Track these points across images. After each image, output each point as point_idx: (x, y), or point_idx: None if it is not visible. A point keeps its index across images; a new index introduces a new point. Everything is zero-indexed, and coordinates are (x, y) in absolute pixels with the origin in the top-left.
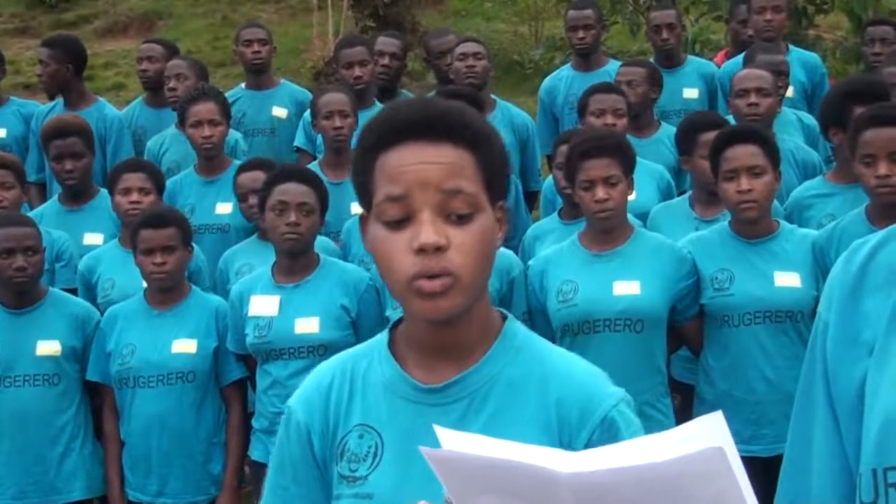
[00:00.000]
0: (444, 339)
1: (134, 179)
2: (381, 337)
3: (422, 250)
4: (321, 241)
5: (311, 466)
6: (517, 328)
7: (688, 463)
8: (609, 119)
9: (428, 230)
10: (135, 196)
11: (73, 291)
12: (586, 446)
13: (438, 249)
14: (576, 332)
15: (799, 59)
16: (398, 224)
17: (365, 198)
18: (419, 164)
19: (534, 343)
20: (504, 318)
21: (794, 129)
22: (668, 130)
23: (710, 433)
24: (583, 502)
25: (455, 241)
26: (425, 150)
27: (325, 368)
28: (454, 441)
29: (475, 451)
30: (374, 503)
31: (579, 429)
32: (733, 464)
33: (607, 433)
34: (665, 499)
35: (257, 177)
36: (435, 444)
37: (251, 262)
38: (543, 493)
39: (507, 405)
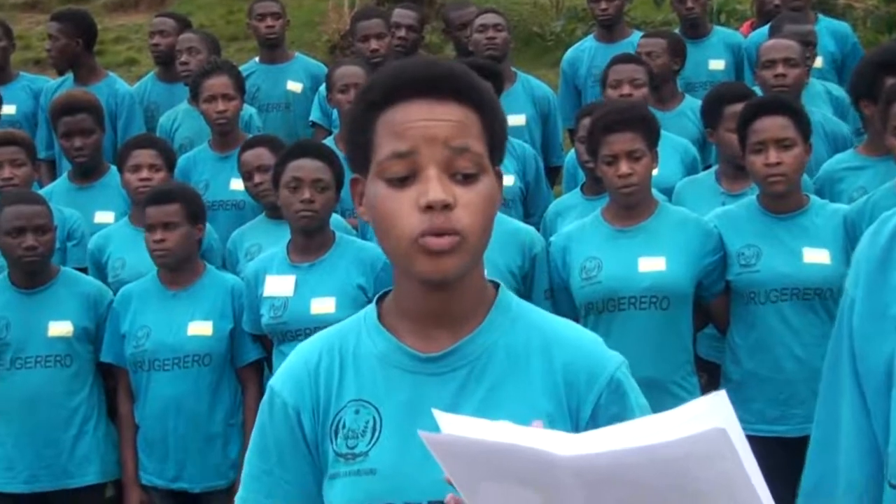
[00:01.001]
0: (440, 305)
1: (144, 156)
2: (368, 311)
3: (429, 207)
4: (334, 220)
5: (300, 449)
6: (510, 297)
7: (690, 444)
8: (626, 89)
9: (436, 187)
10: (145, 173)
11: (85, 271)
12: (594, 408)
13: (446, 207)
14: (600, 310)
15: (828, 28)
16: (402, 182)
17: (361, 158)
18: (426, 120)
19: (529, 312)
20: (496, 286)
21: (822, 100)
22: (691, 103)
23: (713, 413)
24: (585, 485)
25: (461, 200)
26: (432, 108)
27: (309, 346)
28: (453, 424)
29: (475, 435)
30: (376, 478)
31: (587, 391)
32: (738, 444)
33: (615, 394)
34: (668, 480)
35: (261, 153)
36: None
37: (260, 242)
38: (545, 476)
39: (508, 374)
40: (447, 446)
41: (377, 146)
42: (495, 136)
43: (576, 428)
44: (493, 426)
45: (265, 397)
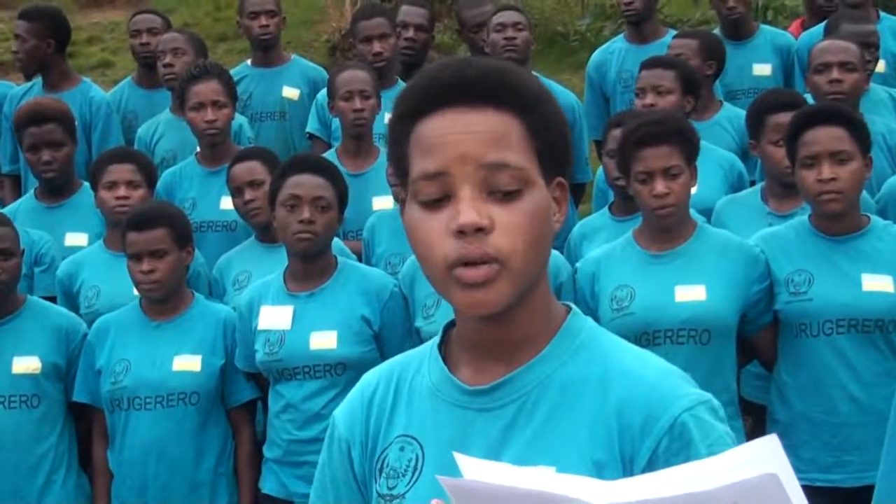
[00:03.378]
0: (495, 335)
1: (121, 171)
2: (435, 337)
3: (461, 232)
4: (335, 244)
5: (352, 487)
6: (582, 322)
7: (739, 491)
8: (649, 99)
9: (467, 209)
10: (122, 191)
11: (55, 300)
12: (651, 458)
13: (480, 230)
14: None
15: (891, 28)
16: (436, 203)
17: (402, 173)
18: (457, 134)
19: (600, 339)
20: (569, 310)
21: (885, 108)
22: (728, 112)
23: (764, 458)
24: None
25: (500, 220)
26: (464, 117)
27: (373, 374)
28: (477, 470)
29: (498, 481)
30: None
31: (643, 437)
32: (790, 491)
33: (678, 442)
34: None
35: (253, 168)
36: (479, 454)
37: (250, 269)
38: None
39: (559, 412)
40: (468, 492)
41: (411, 163)
42: (548, 140)
43: None
44: (519, 472)
45: (328, 429)
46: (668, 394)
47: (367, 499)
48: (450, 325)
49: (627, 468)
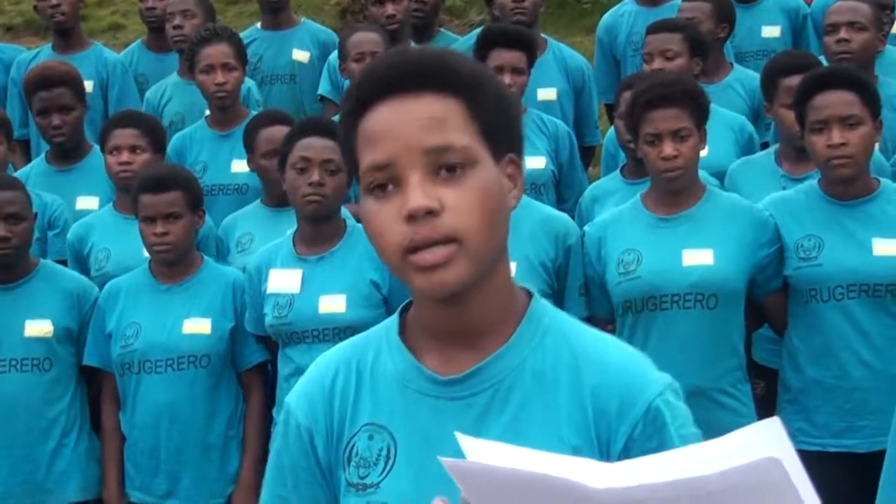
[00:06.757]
0: (458, 320)
1: (123, 136)
2: (390, 322)
3: (412, 217)
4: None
5: (315, 473)
6: (544, 307)
7: (740, 476)
8: (657, 64)
9: (415, 194)
10: (125, 156)
11: (65, 263)
12: (627, 442)
13: (430, 213)
14: (639, 308)
15: None
16: (385, 192)
17: (353, 168)
18: (398, 123)
19: (562, 324)
20: (529, 295)
21: None
22: (739, 74)
23: (765, 441)
24: None
25: (449, 201)
26: (404, 106)
27: (327, 360)
28: (478, 450)
29: (500, 463)
30: None
31: (619, 422)
32: (794, 476)
33: (651, 426)
34: None
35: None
36: (454, 443)
37: (252, 231)
38: None
39: (533, 399)
40: (470, 474)
41: (360, 157)
42: (492, 118)
43: None
44: (521, 453)
45: (282, 415)
46: (639, 379)
47: (333, 486)
48: (404, 310)
49: (604, 453)
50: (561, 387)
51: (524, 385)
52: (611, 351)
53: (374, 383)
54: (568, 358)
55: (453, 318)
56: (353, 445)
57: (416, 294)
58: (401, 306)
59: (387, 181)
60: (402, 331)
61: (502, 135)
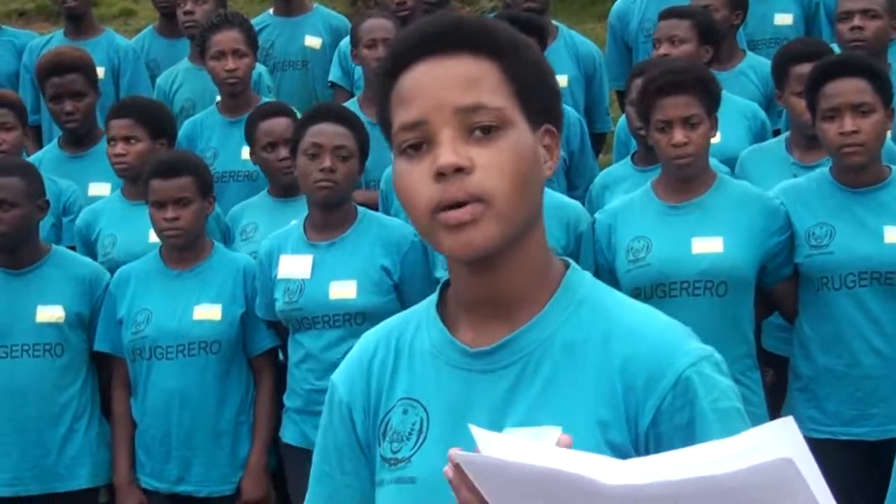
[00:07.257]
0: (489, 288)
1: (118, 127)
2: (432, 298)
3: (441, 174)
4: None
5: (356, 450)
6: (582, 278)
7: (754, 475)
8: (663, 49)
9: (446, 151)
10: (119, 147)
11: (74, 249)
12: (655, 416)
13: (460, 170)
14: (648, 295)
15: None
16: (417, 152)
17: (387, 130)
18: (432, 82)
19: (601, 295)
20: (567, 266)
21: None
22: (752, 61)
23: (778, 441)
24: None
25: (480, 160)
26: (439, 66)
27: (370, 336)
28: (492, 444)
29: (513, 458)
30: (415, 487)
31: (647, 395)
32: (808, 476)
33: (682, 398)
34: None
35: (289, 125)
36: (483, 417)
37: (258, 221)
38: None
39: (562, 372)
40: (484, 467)
41: (393, 118)
42: (527, 83)
43: (634, 438)
44: (536, 447)
45: (328, 393)
46: (671, 350)
47: (371, 462)
48: (445, 286)
49: (632, 426)
50: (591, 358)
51: (554, 357)
52: (647, 321)
53: (412, 358)
54: (602, 329)
55: (484, 285)
56: (389, 420)
57: (447, 259)
58: (441, 282)
59: (420, 141)
60: (442, 305)
61: (539, 103)
